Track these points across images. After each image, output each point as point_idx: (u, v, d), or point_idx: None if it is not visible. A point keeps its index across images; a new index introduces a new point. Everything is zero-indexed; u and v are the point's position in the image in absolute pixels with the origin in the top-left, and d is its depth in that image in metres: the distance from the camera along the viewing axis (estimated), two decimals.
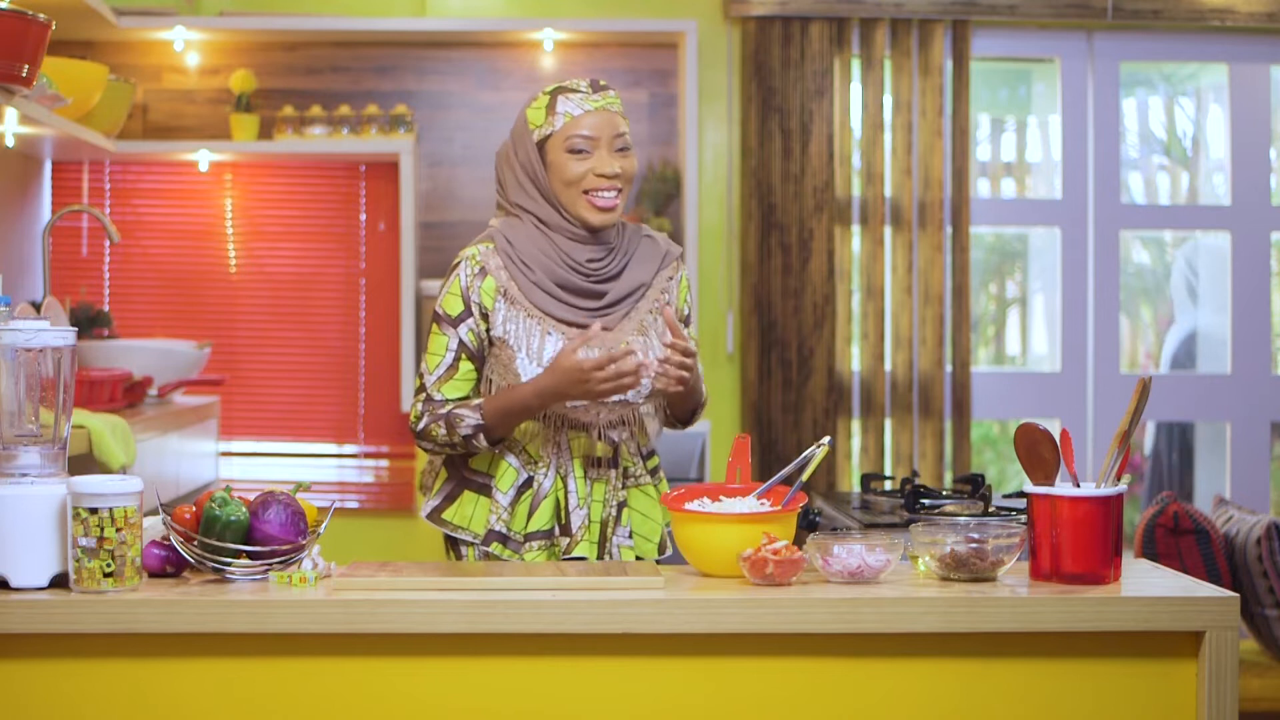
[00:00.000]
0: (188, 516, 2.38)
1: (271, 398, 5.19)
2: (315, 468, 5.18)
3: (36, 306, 3.80)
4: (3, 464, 2.32)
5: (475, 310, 2.88)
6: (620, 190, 2.90)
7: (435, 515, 2.96)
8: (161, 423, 4.08)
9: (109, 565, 2.26)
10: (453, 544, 2.98)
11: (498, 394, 2.88)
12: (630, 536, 2.98)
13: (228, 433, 5.13)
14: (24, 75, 3.45)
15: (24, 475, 2.32)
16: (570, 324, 2.89)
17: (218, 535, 2.35)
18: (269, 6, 5.11)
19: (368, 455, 5.19)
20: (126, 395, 4.08)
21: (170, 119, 5.13)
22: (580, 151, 2.87)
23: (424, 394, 2.89)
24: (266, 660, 2.27)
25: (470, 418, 2.84)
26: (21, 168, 4.77)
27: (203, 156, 5.05)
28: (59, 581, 2.32)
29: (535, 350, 2.86)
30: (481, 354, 2.91)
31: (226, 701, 2.27)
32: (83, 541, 2.25)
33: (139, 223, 5.14)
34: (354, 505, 5.17)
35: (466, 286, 2.88)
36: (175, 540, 2.37)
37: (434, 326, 2.91)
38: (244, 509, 2.37)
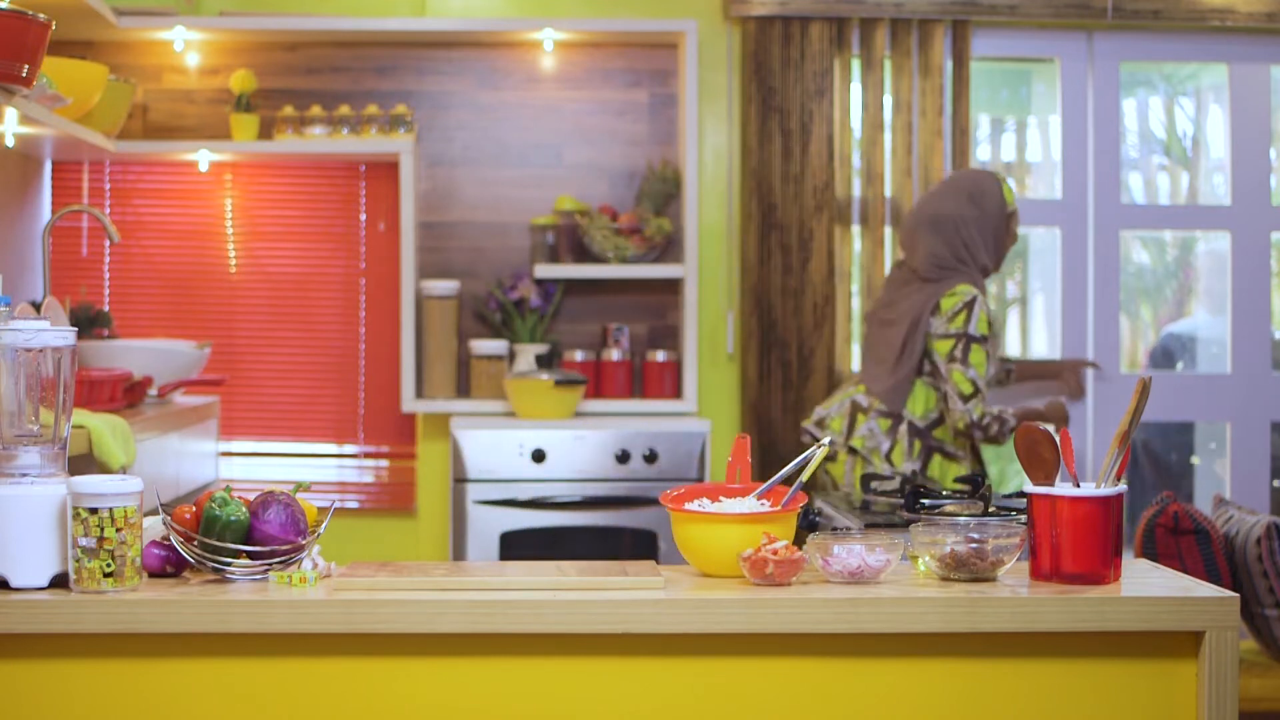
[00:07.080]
0: (188, 516, 2.38)
1: (271, 398, 5.19)
2: (315, 468, 5.17)
3: (36, 306, 3.79)
4: (3, 464, 2.32)
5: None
6: None
7: (920, 474, 4.13)
8: (161, 423, 4.08)
9: (109, 565, 2.26)
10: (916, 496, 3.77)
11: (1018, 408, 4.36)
12: None
13: (228, 433, 5.13)
14: (24, 75, 3.45)
15: (24, 475, 2.32)
16: None
17: (218, 535, 2.35)
18: (269, 6, 5.11)
19: (368, 455, 5.19)
20: (126, 395, 4.08)
21: (170, 119, 5.13)
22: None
23: (980, 395, 4.14)
24: (266, 660, 2.27)
25: (1011, 421, 4.17)
26: (21, 168, 4.77)
27: (203, 156, 5.05)
28: (59, 581, 2.32)
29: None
30: None
31: (226, 701, 2.27)
32: (83, 541, 2.25)
33: (139, 223, 5.14)
34: (354, 505, 5.17)
35: (989, 315, 4.20)
36: (175, 540, 2.37)
37: (974, 345, 4.16)
38: (244, 509, 2.37)
